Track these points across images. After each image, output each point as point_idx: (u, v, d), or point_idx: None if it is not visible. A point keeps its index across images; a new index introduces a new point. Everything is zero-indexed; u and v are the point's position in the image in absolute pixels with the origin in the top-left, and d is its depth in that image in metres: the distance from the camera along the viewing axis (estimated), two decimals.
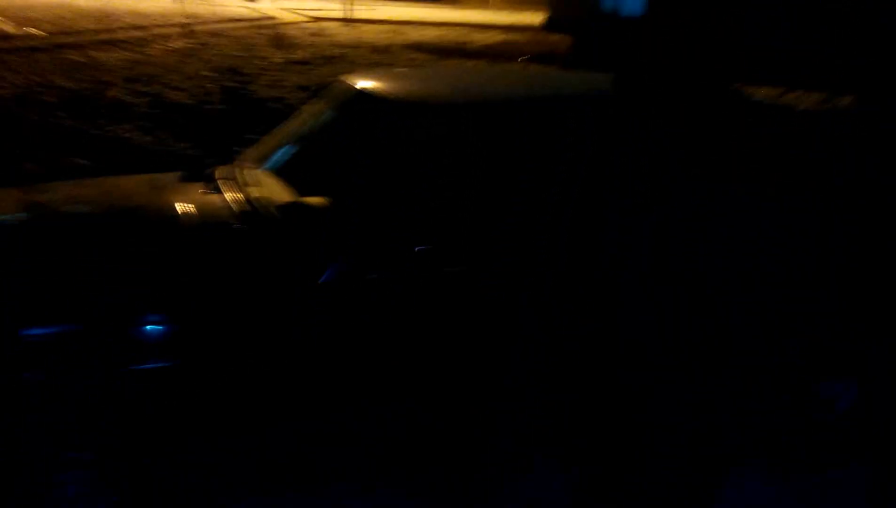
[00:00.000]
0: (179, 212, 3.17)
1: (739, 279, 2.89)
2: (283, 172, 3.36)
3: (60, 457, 2.65)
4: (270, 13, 18.77)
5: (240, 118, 8.04)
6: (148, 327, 2.66)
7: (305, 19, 18.32)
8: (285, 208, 3.06)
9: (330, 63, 11.85)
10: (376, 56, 12.93)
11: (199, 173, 3.52)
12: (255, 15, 18.26)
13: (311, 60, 11.92)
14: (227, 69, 10.57)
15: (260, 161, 3.50)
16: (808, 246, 3.18)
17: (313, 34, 15.41)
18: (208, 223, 3.11)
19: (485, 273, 2.92)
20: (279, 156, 3.52)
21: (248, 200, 3.16)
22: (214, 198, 3.28)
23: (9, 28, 12.72)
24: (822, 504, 3.48)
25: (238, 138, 6.50)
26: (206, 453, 2.80)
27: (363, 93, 3.34)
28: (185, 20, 14.23)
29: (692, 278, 2.65)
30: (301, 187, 3.19)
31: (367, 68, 3.84)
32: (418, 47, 14.48)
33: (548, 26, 14.84)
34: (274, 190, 3.21)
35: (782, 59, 11.83)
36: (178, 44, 12.65)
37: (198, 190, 3.37)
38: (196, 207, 3.21)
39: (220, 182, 3.38)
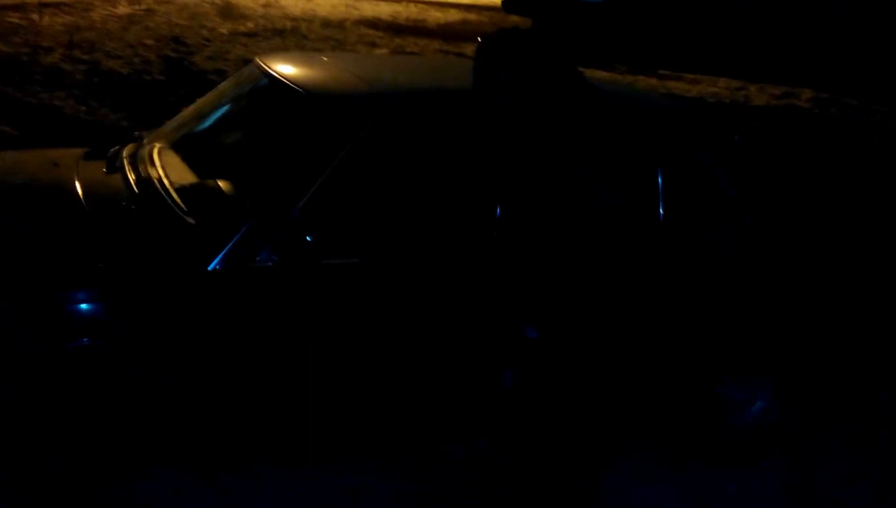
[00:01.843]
0: (74, 191, 3.06)
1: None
2: (188, 153, 3.27)
3: None
4: None
5: (177, 90, 7.86)
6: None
7: None
8: (183, 190, 2.98)
9: (279, 35, 11.65)
10: (327, 31, 12.73)
11: (103, 151, 3.42)
12: None
13: (259, 32, 11.70)
14: (171, 38, 10.34)
15: (167, 140, 3.40)
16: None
17: (265, 5, 15.11)
18: (102, 204, 3.01)
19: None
20: (187, 136, 3.43)
21: (147, 180, 3.06)
22: (114, 178, 3.18)
23: None
24: (719, 503, 3.39)
25: (173, 111, 6.36)
26: None
27: (273, 78, 3.27)
28: None
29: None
30: (205, 170, 3.12)
31: (284, 51, 3.76)
32: (372, 24, 14.29)
33: (507, 7, 14.69)
34: (176, 171, 3.13)
35: (743, 48, 11.86)
36: (124, 10, 12.34)
37: (99, 169, 3.27)
38: (93, 186, 3.11)
39: (122, 161, 3.27)
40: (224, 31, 11.48)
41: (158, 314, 2.67)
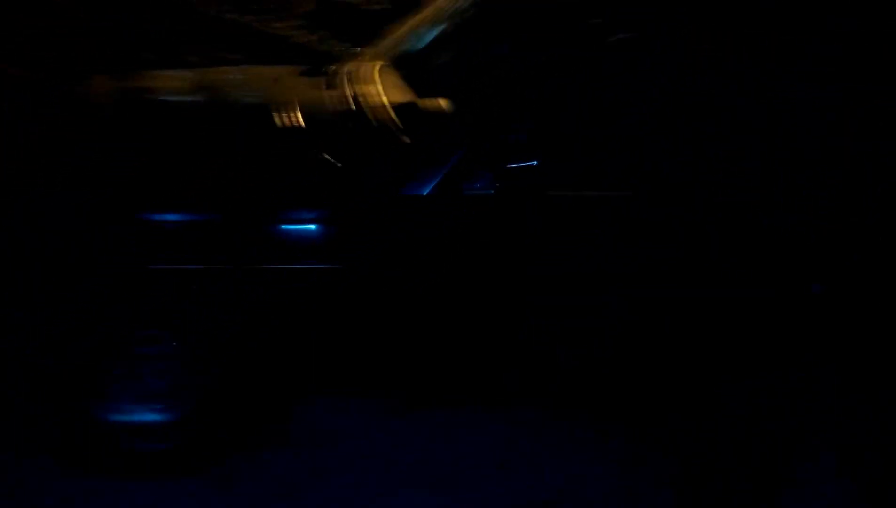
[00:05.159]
0: (293, 107, 2.99)
1: None
2: (407, 72, 3.13)
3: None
4: None
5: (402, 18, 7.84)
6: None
7: None
8: (400, 109, 2.84)
9: None
10: None
11: (322, 68, 3.33)
12: None
13: None
14: None
15: (387, 58, 3.26)
16: None
17: None
18: (320, 120, 2.92)
19: None
20: (406, 54, 3.28)
21: (360, 99, 2.95)
22: (332, 94, 3.07)
23: None
24: None
25: None
26: None
27: None
28: None
29: None
30: (423, 89, 2.96)
31: None
32: None
33: None
34: (392, 89, 2.99)
35: None
36: None
37: (318, 85, 3.18)
38: (311, 102, 3.02)
39: (341, 77, 3.16)
40: None
41: (375, 236, 2.58)
